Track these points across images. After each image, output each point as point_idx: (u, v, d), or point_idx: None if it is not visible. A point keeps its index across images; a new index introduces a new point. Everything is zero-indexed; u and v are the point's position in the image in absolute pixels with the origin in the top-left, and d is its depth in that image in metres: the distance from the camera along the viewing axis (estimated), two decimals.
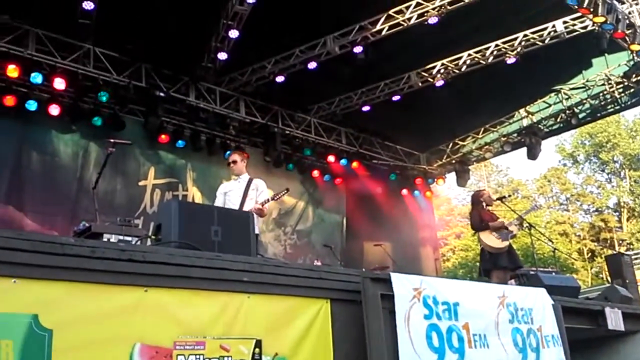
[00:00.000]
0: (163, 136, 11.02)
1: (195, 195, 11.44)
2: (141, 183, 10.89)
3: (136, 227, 4.86)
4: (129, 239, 4.29)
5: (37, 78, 9.36)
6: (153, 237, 3.86)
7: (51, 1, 8.98)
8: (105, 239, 3.96)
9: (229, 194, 6.84)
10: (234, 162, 7.02)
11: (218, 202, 6.83)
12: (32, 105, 9.54)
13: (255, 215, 5.98)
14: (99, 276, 2.96)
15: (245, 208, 6.61)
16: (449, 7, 10.07)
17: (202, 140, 11.53)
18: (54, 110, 9.72)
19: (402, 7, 10.37)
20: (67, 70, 9.70)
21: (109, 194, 10.19)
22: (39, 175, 9.73)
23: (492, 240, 7.76)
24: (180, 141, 11.28)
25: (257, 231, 6.16)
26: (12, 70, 9.07)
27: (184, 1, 11.15)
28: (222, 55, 10.56)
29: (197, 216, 3.89)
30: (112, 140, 5.88)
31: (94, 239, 3.83)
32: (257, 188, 6.88)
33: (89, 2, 8.92)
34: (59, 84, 9.54)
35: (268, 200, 6.69)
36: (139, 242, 3.99)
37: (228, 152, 7.54)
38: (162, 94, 10.52)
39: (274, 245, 12.50)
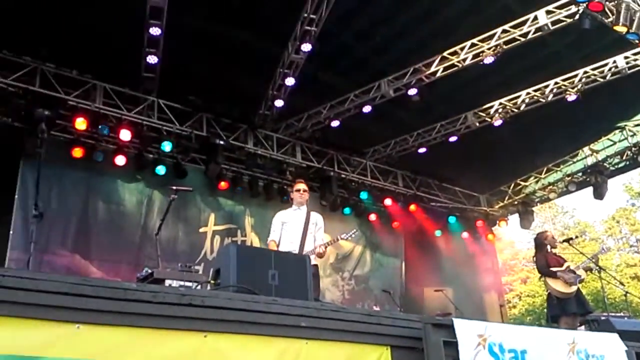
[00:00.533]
0: (222, 183, 11.27)
1: (253, 240, 11.55)
2: (202, 230, 11.11)
3: (196, 273, 4.93)
4: (190, 284, 4.34)
5: (104, 130, 9.83)
6: (212, 281, 3.89)
7: (117, 56, 9.48)
8: (167, 285, 4.02)
9: (288, 224, 6.38)
10: (305, 190, 6.57)
11: (275, 232, 6.41)
12: (99, 156, 9.98)
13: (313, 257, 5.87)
14: (159, 321, 2.98)
15: (307, 243, 6.25)
16: (504, 47, 9.99)
17: (259, 186, 11.72)
18: (120, 160, 10.13)
19: (456, 48, 10.37)
20: (132, 121, 10.15)
21: (171, 241, 10.42)
22: (105, 224, 10.09)
23: (559, 284, 7.40)
24: (239, 187, 11.50)
25: (316, 263, 6.11)
26: (81, 123, 9.53)
27: (241, 53, 11.62)
28: (279, 103, 10.82)
29: (255, 260, 3.90)
30: (174, 188, 6.05)
31: (157, 284, 3.89)
32: (316, 223, 6.45)
33: (152, 56, 9.38)
34: (125, 135, 9.96)
35: (335, 240, 6.36)
36: (199, 287, 4.03)
37: (298, 183, 6.86)
38: (222, 142, 10.81)
39: (332, 290, 12.38)
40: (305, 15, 9.21)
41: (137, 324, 2.91)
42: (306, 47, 9.64)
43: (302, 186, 6.61)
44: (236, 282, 3.62)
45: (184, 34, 11.02)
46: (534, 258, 7.90)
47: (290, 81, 10.30)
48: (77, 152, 9.77)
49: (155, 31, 8.94)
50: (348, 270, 12.89)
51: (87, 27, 9.20)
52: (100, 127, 9.79)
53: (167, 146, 10.33)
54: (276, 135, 11.86)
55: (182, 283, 4.04)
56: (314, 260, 5.97)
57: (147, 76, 9.89)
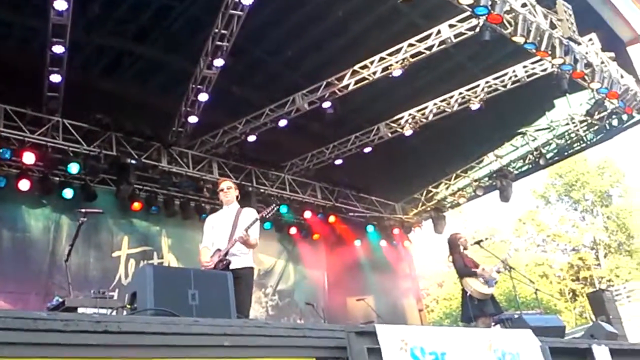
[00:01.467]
0: (136, 204, 10.87)
1: (171, 262, 11.22)
2: (115, 254, 10.66)
3: (111, 299, 4.71)
4: (105, 311, 4.14)
5: (5, 154, 9.25)
6: (128, 306, 3.72)
7: (17, 76, 8.99)
8: (80, 313, 3.82)
9: (217, 226, 5.92)
10: (229, 188, 6.09)
11: (206, 237, 5.95)
12: (1, 182, 9.39)
13: (242, 247, 5.58)
14: (74, 351, 2.81)
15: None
16: (411, 60, 10.37)
17: (175, 205, 11.43)
18: (24, 185, 9.56)
19: (366, 62, 10.64)
20: (35, 143, 9.61)
21: (82, 268, 9.93)
22: (9, 253, 9.46)
23: (478, 285, 7.66)
24: (153, 207, 11.15)
25: (251, 264, 5.76)
26: None
27: (150, 69, 11.38)
28: (193, 119, 10.64)
29: (173, 281, 3.77)
30: (82, 210, 5.77)
31: (69, 313, 3.68)
32: (247, 219, 5.83)
33: (56, 75, 8.96)
34: (28, 158, 9.41)
35: (255, 220, 5.68)
36: (114, 313, 3.85)
37: (220, 182, 6.36)
38: (133, 161, 10.44)
39: (255, 308, 12.20)
40: (216, 30, 9.14)
41: (50, 354, 2.73)
42: (218, 62, 9.55)
43: (224, 185, 6.17)
44: (154, 305, 3.49)
45: (88, 51, 10.67)
46: (450, 258, 8.13)
47: (203, 97, 10.16)
48: None
49: (58, 49, 8.55)
50: (271, 286, 12.80)
51: None
52: (1, 150, 9.19)
53: (74, 167, 9.84)
54: (191, 152, 11.63)
55: (96, 310, 3.83)
56: (245, 260, 5.70)
57: (51, 95, 9.43)
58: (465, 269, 7.79)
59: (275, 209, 6.08)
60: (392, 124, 12.43)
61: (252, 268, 5.85)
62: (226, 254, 5.58)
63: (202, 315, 3.54)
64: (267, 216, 6.04)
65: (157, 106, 11.19)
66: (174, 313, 3.38)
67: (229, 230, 5.76)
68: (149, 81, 11.77)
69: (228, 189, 6.10)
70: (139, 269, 10.11)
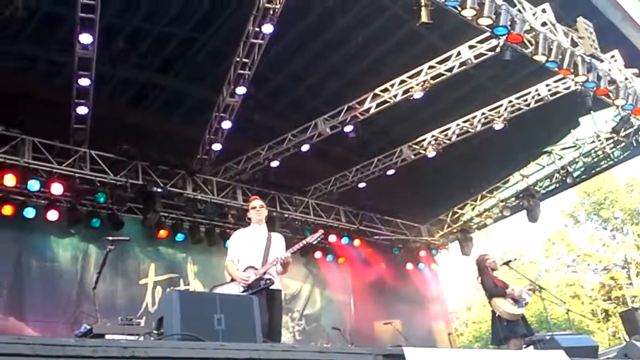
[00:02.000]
0: (162, 231, 10.98)
1: (197, 288, 11.25)
2: (142, 282, 10.75)
3: (138, 325, 4.74)
4: (132, 337, 4.17)
5: (34, 185, 9.44)
6: (155, 332, 3.74)
7: (44, 109, 9.25)
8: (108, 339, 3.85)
9: (247, 244, 5.65)
10: (262, 206, 5.88)
11: (233, 252, 5.66)
12: (30, 213, 9.57)
13: (275, 274, 5.43)
14: None
15: (270, 259, 5.52)
16: (431, 81, 10.39)
17: (201, 232, 11.50)
18: (52, 215, 9.74)
19: (387, 85, 10.69)
20: (63, 175, 9.81)
21: (109, 296, 10.02)
22: (39, 283, 9.61)
23: (508, 306, 7.49)
24: (179, 234, 11.24)
25: (279, 286, 5.56)
26: (9, 180, 9.15)
27: (173, 99, 11.62)
28: (217, 146, 10.78)
29: (199, 305, 3.78)
30: (110, 239, 5.85)
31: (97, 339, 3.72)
32: (278, 245, 5.75)
33: (82, 107, 9.18)
34: (56, 189, 9.60)
35: (302, 245, 5.62)
36: (141, 339, 3.87)
37: (253, 199, 6.11)
38: (159, 190, 10.59)
39: (282, 333, 12.12)
40: (238, 59, 9.31)
41: None
42: (241, 90, 9.70)
43: (257, 202, 5.96)
44: (180, 330, 3.49)
45: (114, 84, 10.96)
46: (479, 280, 8.00)
47: (227, 124, 10.30)
48: (7, 210, 9.35)
49: (84, 82, 8.79)
50: (298, 310, 12.74)
51: (12, 81, 9.00)
52: (30, 182, 9.41)
53: (101, 197, 10.04)
54: (215, 179, 11.74)
55: (123, 336, 3.85)
56: (278, 283, 5.53)
57: (78, 127, 9.66)
58: (494, 289, 7.65)
59: (322, 236, 5.86)
60: (415, 146, 12.40)
61: (281, 291, 5.78)
62: (264, 272, 5.40)
63: (228, 340, 3.54)
64: (314, 242, 5.85)
65: (182, 135, 11.38)
66: (200, 338, 3.38)
67: (262, 251, 5.58)
68: (173, 111, 12.01)
69: (261, 207, 5.92)
70: (165, 295, 10.14)
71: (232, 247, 5.77)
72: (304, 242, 5.69)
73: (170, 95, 11.68)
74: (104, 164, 10.31)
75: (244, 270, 5.46)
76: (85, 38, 8.09)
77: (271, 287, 5.39)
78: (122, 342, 3.05)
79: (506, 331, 7.42)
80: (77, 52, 8.34)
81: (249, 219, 5.95)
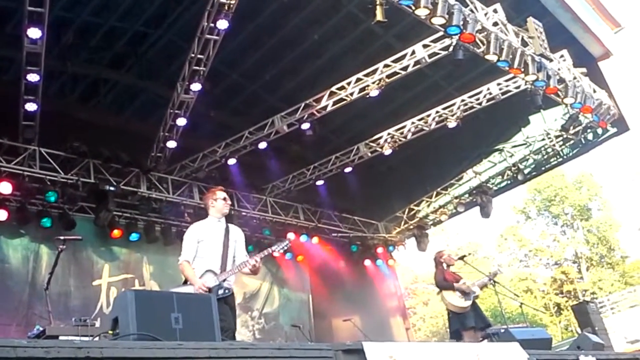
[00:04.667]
0: (115, 231, 10.72)
1: (153, 289, 11.03)
2: (95, 282, 10.48)
3: (93, 326, 4.63)
4: (87, 338, 4.07)
5: None
6: (110, 332, 3.66)
7: None
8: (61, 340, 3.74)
9: (204, 241, 5.27)
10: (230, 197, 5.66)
11: (189, 250, 5.25)
12: None
13: (229, 275, 5.13)
14: None
15: (228, 262, 5.22)
16: (387, 80, 10.49)
17: (156, 231, 11.30)
18: (1, 215, 9.40)
19: (343, 83, 10.74)
20: (12, 173, 9.47)
21: (63, 297, 9.74)
22: None
23: (455, 299, 7.72)
24: (134, 234, 11.00)
25: (230, 285, 5.22)
26: None
27: (125, 96, 11.38)
28: (172, 144, 10.60)
29: (155, 305, 3.71)
30: (61, 238, 5.68)
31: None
32: (236, 239, 5.45)
33: (31, 103, 8.88)
34: (5, 188, 9.24)
35: (268, 252, 5.28)
36: (96, 340, 3.78)
37: (218, 190, 5.59)
38: (112, 188, 10.34)
39: (242, 332, 12.07)
40: (193, 55, 9.17)
41: None
42: (196, 86, 9.56)
43: (225, 194, 5.54)
44: (136, 330, 3.43)
45: (64, 80, 10.65)
46: (434, 275, 8.20)
47: (181, 121, 10.14)
48: None
49: (33, 77, 8.49)
50: (257, 309, 12.67)
51: None
52: None
53: (52, 196, 9.72)
54: (171, 177, 11.55)
55: (77, 338, 3.75)
56: (233, 285, 5.25)
57: (27, 124, 9.33)
58: (442, 282, 7.88)
59: (288, 246, 5.45)
60: (372, 144, 12.51)
61: (233, 294, 5.37)
62: (224, 280, 5.12)
63: (186, 339, 3.49)
64: (279, 252, 5.40)
65: (135, 133, 11.16)
66: (157, 337, 3.33)
67: (220, 248, 5.23)
68: (125, 108, 11.77)
69: (229, 199, 5.56)
70: (120, 294, 9.91)
71: (188, 245, 5.31)
72: (270, 250, 5.32)
73: (122, 91, 11.44)
74: (54, 162, 10.01)
75: (202, 275, 5.11)
76: (34, 32, 7.80)
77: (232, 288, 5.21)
78: (76, 343, 2.98)
79: (457, 324, 7.63)
80: (25, 47, 8.04)
81: (211, 208, 5.49)
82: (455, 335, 7.64)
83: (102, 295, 10.39)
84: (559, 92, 10.06)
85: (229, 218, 11.05)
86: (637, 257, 35.43)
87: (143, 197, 10.98)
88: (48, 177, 9.84)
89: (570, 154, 13.94)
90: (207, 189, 11.84)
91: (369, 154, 12.53)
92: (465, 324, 7.56)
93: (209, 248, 5.25)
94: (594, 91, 11.03)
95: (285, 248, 5.40)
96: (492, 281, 8.05)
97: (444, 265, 8.12)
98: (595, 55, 11.80)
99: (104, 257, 10.78)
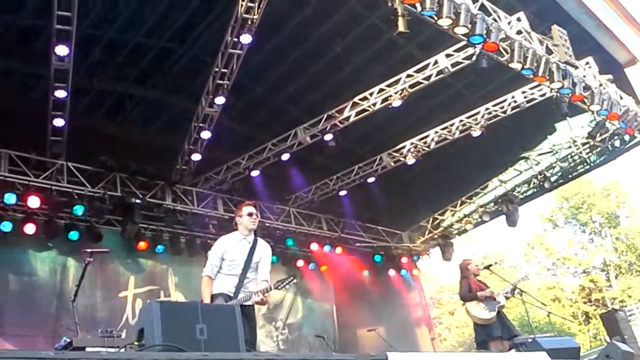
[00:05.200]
0: (141, 243, 10.86)
1: (178, 300, 11.14)
2: (121, 294, 10.62)
3: (119, 337, 4.68)
4: (113, 350, 4.12)
5: (10, 199, 9.29)
6: (136, 343, 3.70)
7: (20, 122, 9.14)
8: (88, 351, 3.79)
9: (229, 255, 5.33)
10: (257, 214, 5.52)
11: (212, 265, 5.33)
12: (6, 227, 9.41)
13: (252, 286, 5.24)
14: None
15: (246, 280, 5.29)
16: (410, 90, 10.48)
17: (181, 243, 11.43)
18: (30, 229, 9.60)
19: (366, 93, 10.76)
20: (40, 187, 9.68)
21: (89, 309, 9.90)
22: (17, 297, 9.43)
23: (478, 311, 7.62)
24: (159, 246, 11.14)
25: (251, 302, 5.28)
26: None
27: (152, 110, 11.55)
28: (196, 157, 10.73)
29: (180, 316, 3.75)
30: (89, 250, 5.77)
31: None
32: (261, 256, 5.44)
33: (59, 119, 9.09)
34: (33, 202, 9.46)
35: (270, 288, 5.19)
36: (122, 351, 3.82)
37: (246, 205, 5.62)
38: (138, 201, 10.49)
39: (266, 342, 12.10)
40: (217, 69, 9.30)
41: None
42: (220, 100, 9.69)
43: (253, 209, 5.52)
44: (162, 341, 3.47)
45: (91, 96, 10.87)
46: (459, 284, 8.11)
47: (206, 134, 10.27)
48: None
49: (61, 94, 8.70)
50: (281, 320, 12.69)
51: None
52: (6, 195, 9.26)
53: (79, 210, 9.89)
54: (195, 190, 11.68)
55: (103, 349, 3.81)
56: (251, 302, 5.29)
57: (55, 140, 9.55)
58: (466, 294, 7.78)
59: (293, 282, 5.30)
60: (395, 154, 12.49)
61: (254, 307, 5.41)
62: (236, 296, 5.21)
63: (210, 350, 3.52)
64: (280, 288, 5.28)
65: (161, 146, 11.32)
66: (182, 348, 3.36)
67: (241, 267, 5.27)
68: (151, 122, 11.94)
69: (257, 215, 5.53)
70: (146, 306, 9.99)
71: (211, 260, 5.38)
72: (272, 287, 5.22)
73: (148, 106, 11.60)
74: (81, 176, 10.20)
75: (214, 299, 5.19)
76: (62, 50, 8.02)
77: (245, 304, 5.20)
78: (102, 354, 3.02)
79: (482, 334, 7.53)
80: (53, 64, 8.25)
81: (239, 225, 5.51)
82: (482, 345, 7.53)
83: (127, 307, 10.52)
84: (585, 100, 9.92)
85: None
86: None
87: (168, 209, 11.12)
88: (75, 190, 10.03)
89: (598, 161, 13.72)
90: (231, 200, 12.11)
91: (392, 164, 12.50)
92: (492, 334, 7.46)
93: (231, 265, 5.32)
94: (621, 98, 10.84)
95: (291, 284, 5.28)
96: (517, 288, 7.93)
97: (471, 274, 8.02)
98: (621, 62, 11.61)
99: (129, 269, 10.93)
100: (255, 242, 5.47)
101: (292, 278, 5.32)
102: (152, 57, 10.61)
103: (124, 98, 11.42)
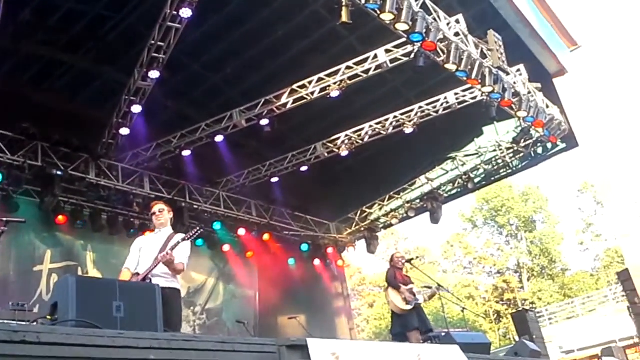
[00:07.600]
0: (60, 217, 10.42)
1: None
2: (36, 268, 10.17)
3: (31, 312, 4.49)
4: (24, 323, 3.94)
5: None
6: (49, 317, 3.55)
7: None
8: None
9: (144, 249, 5.59)
10: (161, 211, 5.78)
11: (130, 258, 5.58)
12: None
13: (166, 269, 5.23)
14: None
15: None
16: (348, 82, 10.54)
17: (103, 219, 11.04)
18: None
19: (305, 81, 10.73)
20: None
21: (1, 281, 9.42)
22: None
23: (397, 300, 7.84)
24: (79, 221, 10.72)
25: (176, 286, 5.43)
26: None
27: (80, 80, 11.03)
28: (125, 131, 10.35)
29: (97, 292, 3.63)
30: (3, 219, 5.46)
31: None
32: (174, 244, 5.43)
33: None
34: None
35: (178, 243, 5.27)
36: (34, 324, 3.66)
37: (153, 205, 5.98)
38: (59, 173, 10.04)
39: (182, 327, 11.89)
40: (153, 42, 8.98)
41: None
42: (154, 74, 9.36)
43: (156, 208, 5.86)
44: (76, 317, 3.34)
45: (17, 60, 10.24)
46: (387, 271, 8.35)
47: (136, 108, 9.92)
48: None
49: None
50: (200, 304, 12.53)
51: None
52: None
53: None
54: (121, 165, 11.29)
55: (14, 323, 3.63)
56: (172, 283, 5.37)
57: None
58: (392, 279, 7.99)
59: (199, 232, 5.54)
60: (329, 144, 12.56)
61: (177, 290, 5.47)
62: (145, 277, 5.22)
63: (127, 328, 3.43)
64: (189, 239, 5.39)
65: (88, 118, 10.83)
66: (97, 325, 3.25)
67: (156, 255, 5.36)
68: (80, 92, 11.39)
69: (160, 212, 5.81)
70: (61, 280, 9.56)
71: (130, 253, 5.68)
72: (179, 241, 5.34)
73: (77, 75, 11.06)
74: (1, 142, 9.66)
75: (131, 277, 5.38)
76: None
77: (164, 286, 5.05)
78: (12, 326, 2.88)
79: (398, 326, 7.76)
80: None
81: (153, 224, 5.87)
82: (398, 337, 7.74)
83: (42, 282, 10.10)
84: (513, 105, 10.33)
85: (179, 212, 10.89)
86: (576, 270, 36.79)
87: (91, 183, 10.70)
88: None
89: (520, 166, 14.33)
90: (159, 179, 11.80)
91: (326, 154, 12.58)
92: (408, 325, 7.69)
93: (146, 256, 5.48)
94: (547, 106, 11.37)
95: (196, 235, 5.47)
96: (437, 294, 8.23)
97: (397, 266, 8.27)
98: (550, 72, 12.16)
99: (46, 242, 10.48)
100: (170, 236, 5.60)
101: (198, 228, 5.55)
102: (86, 24, 10.11)
103: (52, 64, 10.83)
